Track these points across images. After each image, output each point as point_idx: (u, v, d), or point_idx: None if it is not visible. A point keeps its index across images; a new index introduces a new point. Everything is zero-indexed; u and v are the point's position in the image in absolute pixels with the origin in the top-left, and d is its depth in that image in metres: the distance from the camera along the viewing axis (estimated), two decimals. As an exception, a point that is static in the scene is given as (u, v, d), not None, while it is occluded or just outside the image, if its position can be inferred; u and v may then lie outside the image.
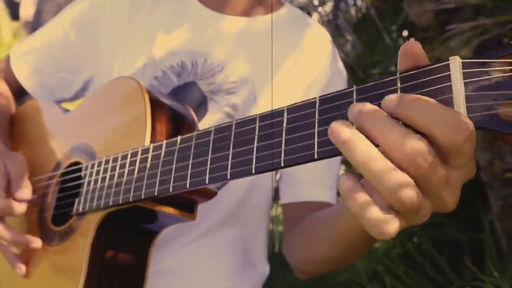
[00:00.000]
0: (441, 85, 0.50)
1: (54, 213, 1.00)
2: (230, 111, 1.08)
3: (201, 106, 1.07)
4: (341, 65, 1.21)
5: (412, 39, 0.53)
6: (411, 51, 0.52)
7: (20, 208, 0.93)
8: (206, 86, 1.08)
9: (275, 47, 1.12)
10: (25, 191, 0.94)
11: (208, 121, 1.07)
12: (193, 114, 0.95)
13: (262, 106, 1.09)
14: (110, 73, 1.13)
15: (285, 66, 1.13)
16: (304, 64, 1.14)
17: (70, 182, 0.97)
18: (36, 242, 0.95)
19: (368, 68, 3.05)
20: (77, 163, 0.98)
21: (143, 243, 0.91)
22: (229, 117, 1.07)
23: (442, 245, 2.63)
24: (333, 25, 2.50)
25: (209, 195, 0.84)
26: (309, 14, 3.45)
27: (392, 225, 0.49)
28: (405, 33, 3.13)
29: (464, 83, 0.49)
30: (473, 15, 2.39)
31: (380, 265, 2.68)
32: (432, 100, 0.49)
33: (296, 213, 1.08)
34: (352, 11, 2.86)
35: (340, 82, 1.17)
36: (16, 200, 0.93)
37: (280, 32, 1.15)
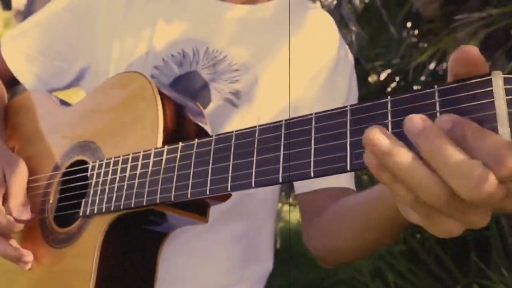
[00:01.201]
0: (483, 101, 0.49)
1: (56, 214, 0.99)
2: (233, 99, 1.07)
3: (204, 96, 1.07)
4: (347, 50, 1.20)
5: (469, 45, 0.50)
6: (468, 57, 0.50)
7: (18, 227, 0.94)
8: (208, 75, 1.08)
9: (277, 32, 1.12)
10: (25, 212, 0.95)
11: (211, 111, 1.06)
12: (202, 110, 0.94)
13: (264, 95, 1.09)
14: (107, 62, 1.12)
15: (287, 51, 1.12)
16: (310, 49, 1.14)
17: (75, 182, 0.96)
18: (28, 257, 0.96)
19: (371, 60, 3.05)
20: (81, 161, 0.96)
21: (152, 245, 0.91)
22: (233, 105, 1.07)
23: (446, 242, 2.64)
24: (337, 15, 2.50)
25: (223, 198, 0.84)
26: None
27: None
28: (408, 24, 3.13)
29: (507, 100, 0.48)
30: (479, 5, 2.39)
31: (382, 262, 2.68)
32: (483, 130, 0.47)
33: (314, 202, 1.07)
34: (356, 1, 2.86)
35: (347, 68, 1.17)
36: (14, 218, 0.93)
37: (283, 18, 1.14)
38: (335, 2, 2.56)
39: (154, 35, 1.10)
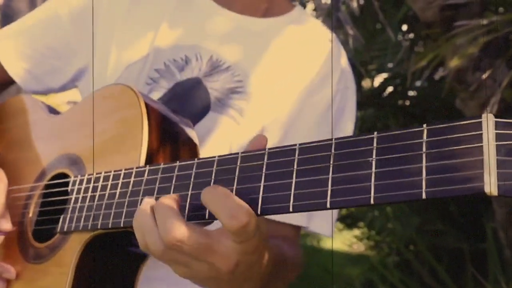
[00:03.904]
0: (471, 145, 0.49)
1: (35, 228, 0.98)
2: (233, 113, 1.08)
3: (204, 103, 1.07)
4: (347, 77, 1.20)
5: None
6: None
7: None
8: (210, 83, 1.08)
9: (279, 46, 1.13)
10: (4, 223, 0.96)
11: (208, 120, 1.06)
12: (191, 125, 0.93)
13: (260, 109, 1.09)
14: (105, 64, 1.12)
15: (287, 67, 1.13)
16: (307, 71, 1.15)
17: (55, 196, 0.95)
18: (11, 273, 0.96)
19: (366, 63, 3.05)
20: (63, 174, 0.96)
21: (131, 268, 0.89)
22: (233, 119, 1.07)
23: (441, 254, 2.63)
24: (334, 18, 2.49)
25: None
26: (304, 5, 3.42)
27: None
28: (404, 27, 3.12)
29: (497, 145, 0.47)
30: (479, 11, 2.38)
31: (375, 274, 2.68)
32: (220, 191, 0.64)
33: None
34: (354, 3, 2.85)
35: (343, 100, 1.17)
36: None
37: (287, 33, 1.16)
38: (332, 5, 2.55)
39: (156, 38, 1.10)
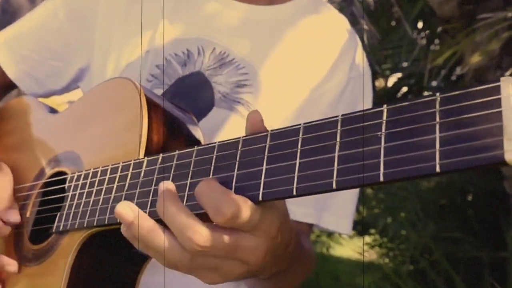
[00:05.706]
0: (489, 111, 0.46)
1: (32, 229, 0.97)
2: (238, 107, 1.06)
3: (207, 98, 1.06)
4: (360, 66, 1.18)
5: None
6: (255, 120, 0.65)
7: (6, 229, 0.95)
8: (213, 77, 1.07)
9: (284, 35, 1.11)
10: (13, 215, 0.96)
11: (214, 116, 1.05)
12: (195, 120, 0.92)
13: (268, 101, 1.08)
14: (105, 63, 1.13)
15: (295, 57, 1.12)
16: (317, 61, 1.13)
17: (53, 194, 0.95)
18: (13, 266, 0.95)
19: (380, 63, 3.02)
20: (62, 173, 0.95)
21: (130, 270, 0.88)
22: (238, 113, 1.06)
23: (458, 263, 2.60)
24: (348, 13, 2.47)
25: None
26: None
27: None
28: (420, 25, 3.09)
29: None
30: (501, 5, 2.34)
31: (387, 283, 2.66)
32: (205, 185, 0.62)
33: None
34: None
35: (355, 90, 1.16)
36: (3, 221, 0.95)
37: (292, 21, 1.14)
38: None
39: (156, 34, 1.11)
